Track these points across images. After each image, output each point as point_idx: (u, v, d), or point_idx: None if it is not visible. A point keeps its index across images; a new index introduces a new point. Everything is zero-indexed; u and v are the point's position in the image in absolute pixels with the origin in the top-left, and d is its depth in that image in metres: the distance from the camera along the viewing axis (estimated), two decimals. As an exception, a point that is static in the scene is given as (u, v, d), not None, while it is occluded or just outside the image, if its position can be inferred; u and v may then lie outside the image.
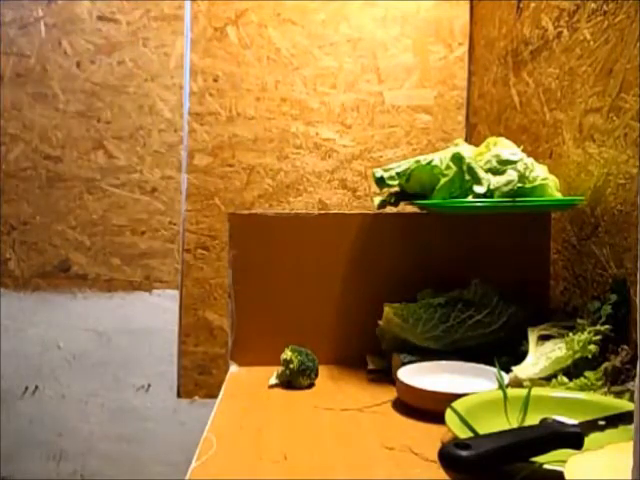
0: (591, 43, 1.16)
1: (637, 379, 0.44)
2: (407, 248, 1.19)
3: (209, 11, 1.95)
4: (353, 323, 1.18)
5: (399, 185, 1.13)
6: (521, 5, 1.52)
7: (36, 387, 1.92)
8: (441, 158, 1.08)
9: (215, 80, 1.95)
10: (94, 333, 1.93)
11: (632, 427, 0.45)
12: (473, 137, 1.90)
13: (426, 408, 0.88)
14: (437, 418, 0.80)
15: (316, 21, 1.96)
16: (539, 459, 0.63)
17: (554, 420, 0.68)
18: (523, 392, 0.82)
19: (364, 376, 1.11)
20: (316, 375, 1.06)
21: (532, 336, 1.00)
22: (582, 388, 0.87)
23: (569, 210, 1.19)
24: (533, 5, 1.44)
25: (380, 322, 1.09)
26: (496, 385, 0.87)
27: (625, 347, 0.90)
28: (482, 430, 0.70)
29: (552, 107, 1.32)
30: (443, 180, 1.06)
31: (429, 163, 1.08)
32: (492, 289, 1.11)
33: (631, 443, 0.45)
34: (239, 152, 1.96)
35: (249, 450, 0.79)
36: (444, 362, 1.03)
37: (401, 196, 1.15)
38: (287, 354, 1.05)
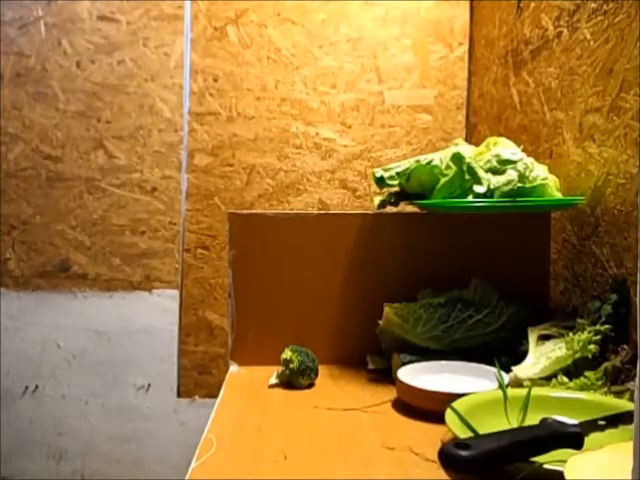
0: (591, 43, 1.16)
1: (637, 379, 0.44)
2: (407, 248, 1.19)
3: (209, 11, 1.95)
4: (353, 323, 1.18)
5: (399, 185, 1.13)
6: (521, 5, 1.51)
7: (36, 387, 1.92)
8: (441, 158, 1.08)
9: (215, 80, 1.95)
10: (94, 333, 1.93)
11: (632, 427, 0.45)
12: (473, 137, 1.90)
13: (426, 408, 0.88)
14: (437, 418, 0.80)
15: (316, 21, 1.96)
16: (539, 459, 0.63)
17: (554, 420, 0.68)
18: (523, 392, 0.82)
19: (364, 376, 1.11)
20: (316, 375, 1.06)
21: (532, 336, 1.00)
22: (582, 388, 0.87)
23: (569, 210, 1.19)
24: (533, 5, 1.44)
25: (380, 322, 1.09)
26: (496, 385, 0.87)
27: (625, 347, 0.90)
28: (482, 430, 0.70)
29: (552, 107, 1.32)
30: (443, 180, 1.06)
31: (429, 163, 1.08)
32: (492, 289, 1.11)
33: (631, 443, 0.45)
34: (239, 152, 1.96)
35: (249, 450, 0.79)
36: (444, 362, 1.03)
37: (401, 196, 1.15)
38: (287, 354, 1.05)
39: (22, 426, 1.92)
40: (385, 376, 1.08)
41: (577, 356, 0.92)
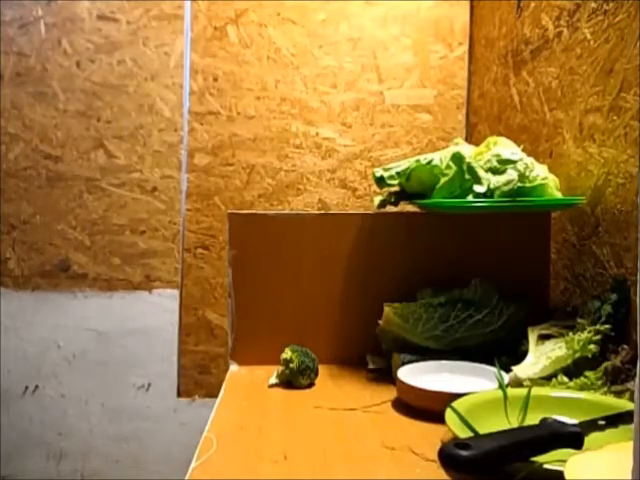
0: (591, 42, 1.16)
1: (637, 379, 0.44)
2: (407, 248, 1.19)
3: (209, 10, 1.94)
4: (353, 323, 1.18)
5: (399, 184, 1.13)
6: (521, 5, 1.51)
7: (36, 387, 1.92)
8: (441, 157, 1.08)
9: (215, 79, 1.95)
10: (94, 333, 1.93)
11: (632, 427, 0.45)
12: (473, 136, 1.90)
13: (426, 408, 0.88)
14: (437, 418, 0.80)
15: (316, 21, 1.96)
16: (539, 459, 0.63)
17: (554, 420, 0.68)
18: (523, 392, 0.82)
19: (364, 376, 1.11)
20: (316, 375, 1.06)
21: (532, 336, 1.00)
22: (582, 388, 0.87)
23: (569, 210, 1.19)
24: (533, 4, 1.44)
25: (380, 322, 1.09)
26: (496, 385, 0.87)
27: (625, 347, 0.90)
28: (482, 430, 0.70)
29: (552, 106, 1.32)
30: (443, 179, 1.06)
31: (429, 162, 1.08)
32: (492, 289, 1.11)
33: (631, 443, 0.45)
34: (239, 151, 1.96)
35: (249, 450, 0.79)
36: (444, 362, 1.03)
37: (401, 195, 1.15)
38: (287, 354, 1.05)
39: (22, 426, 1.92)
40: (385, 376, 1.08)
41: (577, 356, 0.92)
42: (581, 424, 0.69)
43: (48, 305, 1.93)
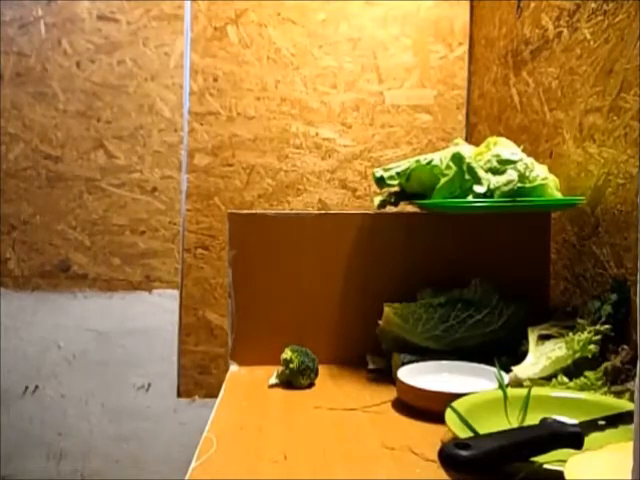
0: (591, 43, 1.16)
1: (637, 379, 0.44)
2: (407, 248, 1.19)
3: (209, 10, 1.95)
4: (353, 323, 1.18)
5: (399, 185, 1.13)
6: (521, 5, 1.51)
7: (36, 387, 1.92)
8: (441, 158, 1.08)
9: (215, 80, 1.95)
10: (94, 333, 1.93)
11: (632, 427, 0.45)
12: (473, 137, 1.90)
13: (426, 408, 0.88)
14: (437, 418, 0.80)
15: (316, 21, 1.96)
16: (539, 459, 0.63)
17: (554, 420, 0.68)
18: (523, 392, 0.82)
19: (364, 376, 1.11)
20: (316, 375, 1.06)
21: (532, 336, 1.00)
22: (582, 388, 0.87)
23: (569, 210, 1.19)
24: (533, 5, 1.44)
25: (380, 322, 1.09)
26: (496, 385, 0.87)
27: (625, 347, 0.90)
28: (482, 430, 0.70)
29: (552, 107, 1.32)
30: (443, 180, 1.06)
31: (429, 163, 1.08)
32: (492, 289, 1.11)
33: (631, 443, 0.45)
34: (239, 152, 1.96)
35: (249, 450, 0.79)
36: (444, 362, 1.03)
37: (401, 196, 1.15)
38: (287, 354, 1.05)
39: (22, 426, 1.92)
40: (385, 376, 1.08)
41: (577, 356, 0.92)
42: (581, 424, 0.69)
43: (48, 305, 1.93)
